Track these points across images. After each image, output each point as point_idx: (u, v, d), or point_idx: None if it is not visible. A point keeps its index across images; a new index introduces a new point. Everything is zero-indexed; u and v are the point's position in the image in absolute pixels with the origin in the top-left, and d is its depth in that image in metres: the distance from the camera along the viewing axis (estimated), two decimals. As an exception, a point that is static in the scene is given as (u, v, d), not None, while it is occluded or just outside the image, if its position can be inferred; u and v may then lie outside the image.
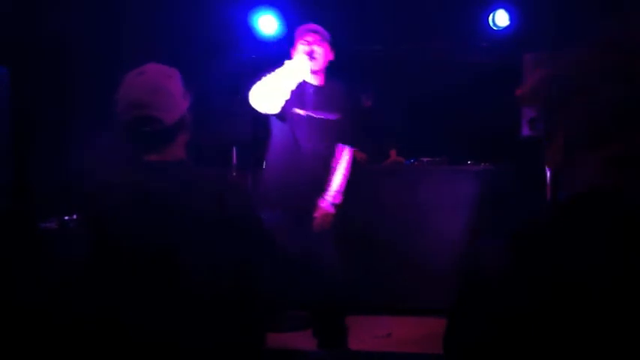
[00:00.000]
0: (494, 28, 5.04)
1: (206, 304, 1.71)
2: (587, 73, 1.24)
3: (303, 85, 3.36)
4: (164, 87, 1.80)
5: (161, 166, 1.83)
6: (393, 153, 5.33)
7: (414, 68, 5.07)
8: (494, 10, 5.01)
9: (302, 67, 3.25)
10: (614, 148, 1.37)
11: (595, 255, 1.43)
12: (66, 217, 3.27)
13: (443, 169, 4.68)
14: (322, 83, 3.47)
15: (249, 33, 5.03)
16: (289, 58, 3.36)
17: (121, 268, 1.73)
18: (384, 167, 5.12)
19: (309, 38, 3.36)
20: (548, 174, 4.24)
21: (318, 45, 3.36)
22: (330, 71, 3.50)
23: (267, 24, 5.04)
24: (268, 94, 3.20)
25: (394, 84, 5.28)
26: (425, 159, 4.80)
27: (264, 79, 3.23)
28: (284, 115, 3.35)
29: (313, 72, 3.39)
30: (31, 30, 3.77)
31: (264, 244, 1.85)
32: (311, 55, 3.30)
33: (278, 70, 3.24)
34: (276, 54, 5.05)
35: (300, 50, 3.33)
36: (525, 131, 4.25)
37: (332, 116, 3.42)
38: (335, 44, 3.48)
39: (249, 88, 3.25)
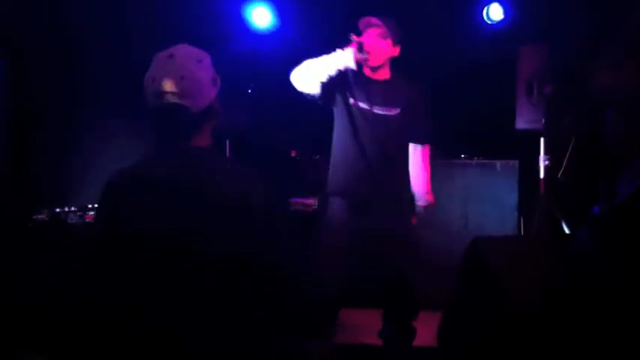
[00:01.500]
0: (489, 22, 5.03)
1: (218, 293, 1.67)
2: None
3: (365, 79, 3.38)
4: (193, 73, 1.74)
5: (184, 153, 1.78)
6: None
7: (408, 62, 5.05)
8: (488, 3, 5.00)
9: (347, 58, 3.23)
10: None
11: (597, 256, 1.42)
12: (57, 209, 3.25)
13: (436, 162, 4.67)
14: (386, 77, 3.43)
15: (243, 25, 5.01)
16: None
17: (135, 256, 1.68)
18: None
19: (366, 32, 3.34)
20: (542, 168, 4.24)
21: (376, 40, 3.31)
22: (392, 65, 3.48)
23: (260, 16, 5.02)
24: (306, 74, 3.26)
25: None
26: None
27: (308, 60, 3.28)
28: (337, 104, 3.39)
29: (375, 67, 3.37)
30: (29, 21, 3.74)
31: (281, 239, 1.77)
32: (360, 48, 3.24)
33: (324, 56, 3.27)
34: (269, 46, 5.06)
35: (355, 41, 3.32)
36: (519, 125, 4.25)
37: (393, 111, 3.38)
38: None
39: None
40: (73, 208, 3.31)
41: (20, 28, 3.72)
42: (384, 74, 3.43)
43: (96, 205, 3.37)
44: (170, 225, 1.68)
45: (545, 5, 4.65)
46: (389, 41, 3.36)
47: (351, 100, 3.36)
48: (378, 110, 3.37)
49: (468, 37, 5.05)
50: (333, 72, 3.24)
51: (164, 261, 1.66)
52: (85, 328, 1.75)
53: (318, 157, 4.91)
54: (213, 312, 1.66)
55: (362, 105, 3.37)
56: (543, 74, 4.16)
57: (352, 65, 3.26)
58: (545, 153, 4.22)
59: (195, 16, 4.64)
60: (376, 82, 3.40)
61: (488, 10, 5.00)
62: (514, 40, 4.57)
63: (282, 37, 5.05)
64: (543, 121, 4.17)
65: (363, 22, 3.38)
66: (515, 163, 4.52)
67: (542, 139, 4.24)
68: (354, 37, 3.25)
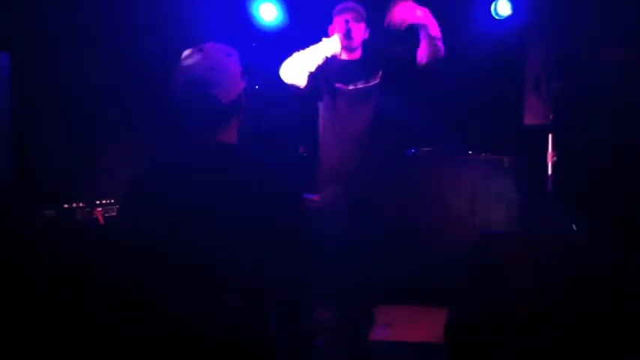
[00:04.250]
0: (497, 17, 5.01)
1: (241, 300, 1.69)
2: None
3: (341, 62, 3.48)
4: (222, 65, 1.78)
5: (211, 150, 1.80)
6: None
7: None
8: (496, -2, 4.97)
9: (335, 45, 3.38)
10: None
11: (605, 254, 1.42)
12: (65, 206, 3.26)
13: (444, 159, 4.66)
14: (359, 56, 3.53)
15: (250, 21, 5.00)
16: (315, 39, 3.45)
17: (156, 255, 1.70)
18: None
19: (347, 16, 3.42)
20: (550, 164, 4.22)
21: (355, 23, 3.42)
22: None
23: (267, 12, 5.01)
24: (296, 67, 3.35)
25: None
26: (426, 149, 4.78)
27: (295, 54, 3.38)
28: (322, 92, 3.49)
29: (350, 49, 3.47)
30: (32, 15, 3.75)
31: (308, 235, 1.81)
32: (348, 34, 3.38)
33: (311, 47, 3.38)
34: (277, 42, 5.06)
35: (337, 29, 3.43)
36: (527, 121, 4.24)
37: (373, 81, 3.46)
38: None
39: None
40: (80, 204, 3.33)
41: (24, 21, 3.73)
42: (358, 54, 3.53)
43: (105, 201, 3.41)
44: (196, 227, 1.69)
45: (554, 1, 4.62)
46: (363, 24, 3.47)
47: (337, 85, 3.46)
48: (361, 85, 3.46)
49: (476, 33, 5.03)
50: (321, 61, 3.36)
51: (184, 261, 1.68)
52: (93, 326, 1.76)
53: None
54: (236, 315, 1.68)
55: (346, 86, 3.46)
56: (552, 70, 4.14)
57: (339, 52, 3.40)
58: (553, 149, 4.20)
59: (203, 12, 4.64)
60: (353, 62, 3.50)
61: (496, 5, 4.98)
62: (522, 35, 4.55)
63: (290, 33, 5.05)
64: (551, 117, 4.15)
65: (340, 6, 3.48)
66: (523, 159, 4.50)
67: (550, 136, 4.22)
68: (339, 22, 3.39)
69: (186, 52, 1.83)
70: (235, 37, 4.77)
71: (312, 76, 3.39)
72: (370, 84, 3.45)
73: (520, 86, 4.29)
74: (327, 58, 3.38)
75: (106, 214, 3.36)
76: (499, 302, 1.97)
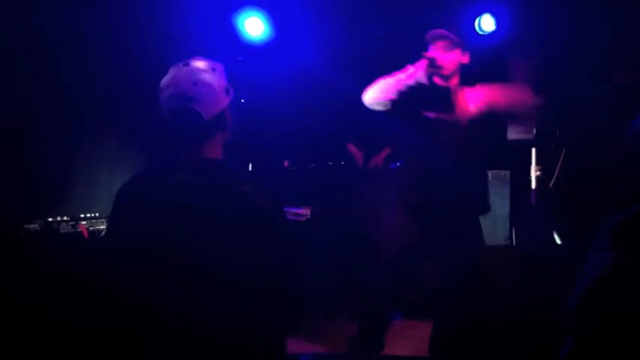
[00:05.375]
0: (480, 32, 5.05)
1: (229, 302, 1.70)
2: None
3: (436, 89, 3.43)
4: (205, 80, 1.80)
5: (195, 165, 1.81)
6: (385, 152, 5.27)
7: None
8: (479, 14, 5.01)
9: (419, 74, 3.35)
10: None
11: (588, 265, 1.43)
12: (49, 219, 3.24)
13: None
14: (454, 85, 3.49)
15: (236, 36, 5.01)
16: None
17: (140, 266, 1.70)
18: (369, 169, 5.10)
19: (437, 45, 3.44)
20: (533, 178, 4.26)
21: (444, 52, 3.42)
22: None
23: (253, 26, 5.02)
24: (377, 94, 3.35)
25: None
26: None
27: (381, 80, 3.37)
28: (410, 117, 3.43)
29: (446, 76, 3.44)
30: (17, 25, 3.75)
31: (292, 247, 1.84)
32: (432, 63, 3.37)
33: (396, 75, 3.36)
34: (263, 57, 5.07)
35: (425, 57, 3.41)
36: (511, 135, 4.27)
37: (462, 119, 3.43)
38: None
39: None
40: (65, 218, 3.30)
41: (8, 34, 3.72)
42: (454, 82, 3.49)
43: (92, 215, 3.39)
44: (171, 236, 1.70)
45: (537, 16, 4.68)
46: (458, 51, 3.46)
47: (426, 113, 3.42)
48: (450, 118, 3.43)
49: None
50: (404, 89, 3.33)
51: (166, 273, 1.68)
52: (83, 332, 1.76)
53: (313, 165, 4.92)
54: (215, 323, 1.69)
55: (434, 115, 3.42)
56: (534, 85, 4.18)
57: (424, 80, 3.37)
58: (537, 163, 4.24)
59: (190, 26, 4.65)
60: (447, 90, 3.45)
61: (480, 21, 5.01)
62: (506, 51, 4.59)
63: (276, 48, 5.06)
64: (534, 131, 4.19)
65: (430, 33, 3.48)
66: (507, 173, 4.53)
67: (533, 150, 4.26)
68: (424, 54, 3.38)
69: (172, 67, 1.85)
70: (222, 50, 4.79)
71: (398, 102, 3.36)
72: (462, 120, 3.42)
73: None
74: (410, 86, 3.35)
75: (91, 228, 3.35)
76: (484, 315, 1.98)
